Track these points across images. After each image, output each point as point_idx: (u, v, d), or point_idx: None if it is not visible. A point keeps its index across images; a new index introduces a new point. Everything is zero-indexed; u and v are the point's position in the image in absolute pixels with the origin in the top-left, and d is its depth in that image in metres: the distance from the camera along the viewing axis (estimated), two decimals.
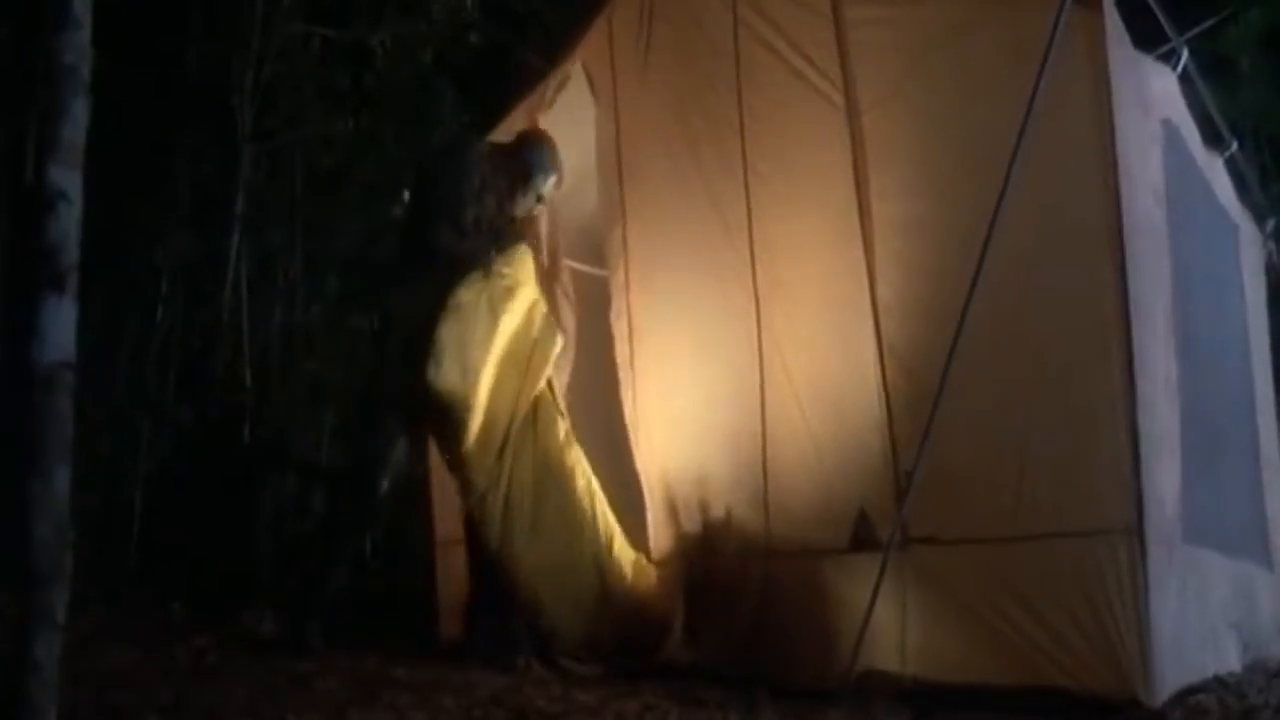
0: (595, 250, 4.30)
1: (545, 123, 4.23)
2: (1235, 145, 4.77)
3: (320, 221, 6.81)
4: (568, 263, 4.39)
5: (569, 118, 4.22)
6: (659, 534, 3.92)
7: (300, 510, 6.19)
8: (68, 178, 2.02)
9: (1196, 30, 4.05)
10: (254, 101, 5.94)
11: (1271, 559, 4.43)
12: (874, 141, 3.52)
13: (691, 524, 3.84)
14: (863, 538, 3.37)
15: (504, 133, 4.44)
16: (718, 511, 3.77)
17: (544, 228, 4.26)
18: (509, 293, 3.75)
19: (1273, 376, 5.10)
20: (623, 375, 4.04)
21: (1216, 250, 4.41)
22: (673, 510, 3.90)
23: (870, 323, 3.46)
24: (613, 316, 4.08)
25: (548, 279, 4.22)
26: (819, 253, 3.64)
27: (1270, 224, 5.58)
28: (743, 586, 3.59)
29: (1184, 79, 3.96)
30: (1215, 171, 4.53)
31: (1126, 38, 3.32)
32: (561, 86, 4.21)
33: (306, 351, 6.73)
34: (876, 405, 3.42)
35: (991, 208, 3.07)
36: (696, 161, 3.94)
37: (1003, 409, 3.14)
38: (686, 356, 3.94)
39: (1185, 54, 3.93)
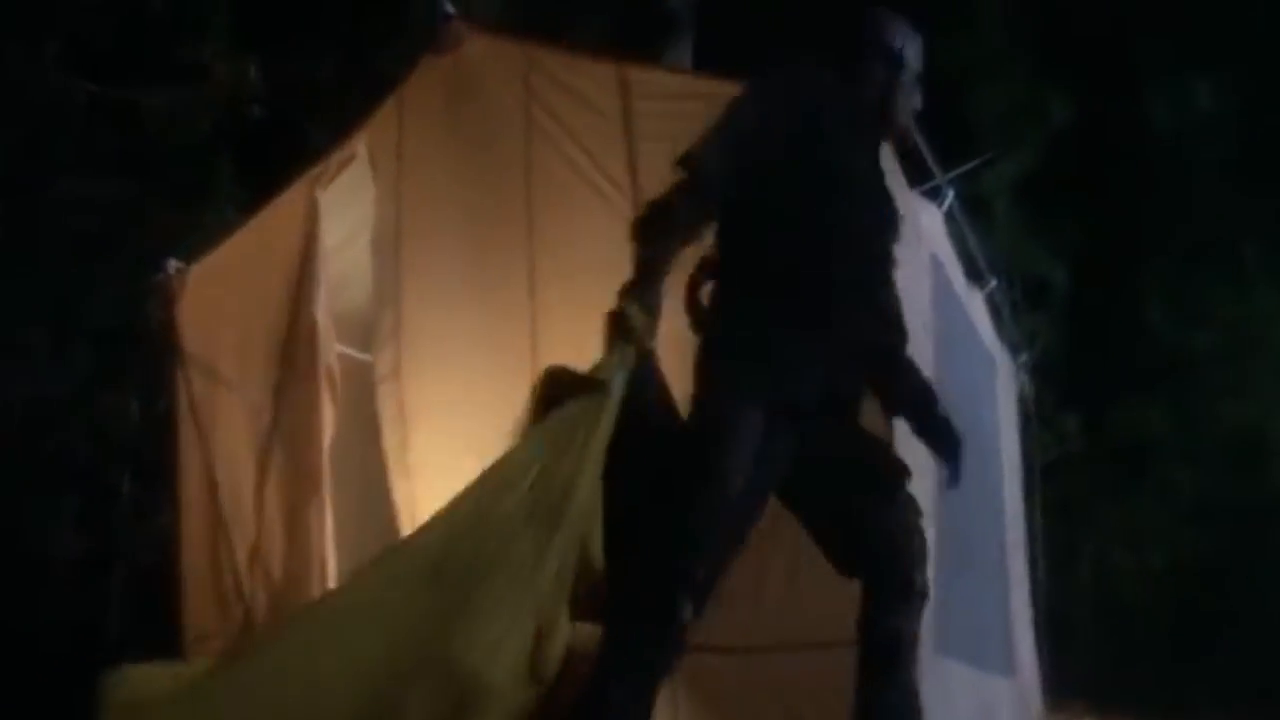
0: (369, 334, 4.18)
1: (325, 200, 4.09)
2: (994, 282, 5.12)
3: (77, 288, 6.32)
4: (340, 348, 4.22)
5: (349, 198, 4.10)
6: None
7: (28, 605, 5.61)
8: None
9: (959, 170, 4.34)
10: (4, 155, 5.49)
11: (1013, 667, 4.65)
12: None
13: None
14: None
15: (280, 208, 4.26)
16: None
17: (307, 307, 4.07)
18: None
19: (1022, 498, 5.43)
20: (393, 463, 3.91)
21: (976, 381, 4.67)
22: None
23: None
24: (378, 402, 3.95)
25: (312, 364, 4.04)
26: (601, 352, 3.64)
27: (1024, 358, 6.02)
28: None
29: (947, 217, 4.22)
30: (975, 307, 4.84)
31: (900, 173, 3.51)
32: (345, 165, 4.09)
33: (49, 428, 6.16)
34: None
35: None
36: (481, 257, 3.90)
37: (774, 516, 3.16)
38: (463, 447, 3.82)
39: (950, 193, 4.20)
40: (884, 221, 2.72)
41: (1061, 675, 6.06)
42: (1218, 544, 9.40)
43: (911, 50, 2.69)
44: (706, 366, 2.56)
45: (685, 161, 2.58)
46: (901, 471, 2.61)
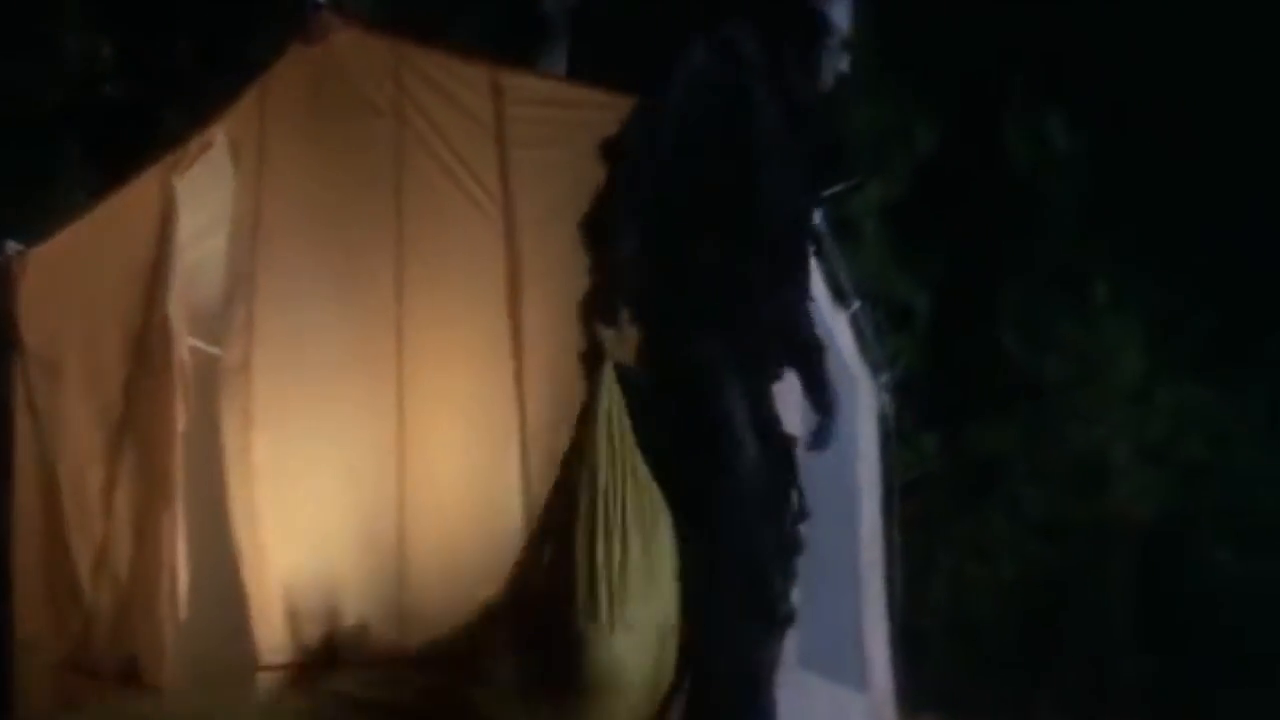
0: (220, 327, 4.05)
1: (181, 186, 3.96)
2: (858, 303, 5.26)
3: None
4: (193, 342, 4.08)
5: (207, 187, 3.99)
6: (273, 642, 3.65)
7: None
8: None
9: (830, 192, 4.45)
10: None
11: (866, 681, 4.78)
12: (533, 257, 3.56)
13: (315, 633, 3.63)
14: None
15: (133, 194, 4.10)
16: (347, 620, 3.60)
17: (161, 299, 3.95)
18: None
19: (881, 514, 5.58)
20: (234, 464, 3.78)
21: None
22: (293, 617, 3.67)
23: (518, 435, 3.47)
24: (223, 399, 3.81)
25: (166, 359, 3.90)
26: (469, 362, 3.64)
27: (884, 378, 6.19)
28: (374, 699, 3.36)
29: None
30: (839, 327, 4.96)
31: None
32: (203, 152, 3.98)
33: None
34: (518, 518, 3.41)
35: None
36: (346, 258, 3.81)
37: None
38: (316, 452, 3.75)
39: (819, 214, 4.29)
40: (809, 194, 2.70)
41: (916, 686, 6.25)
42: (1063, 559, 9.87)
43: (839, 10, 2.65)
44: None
45: (608, 147, 2.46)
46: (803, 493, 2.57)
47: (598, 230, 2.41)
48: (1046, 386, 9.71)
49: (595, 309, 2.35)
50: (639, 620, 2.37)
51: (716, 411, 2.40)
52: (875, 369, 5.88)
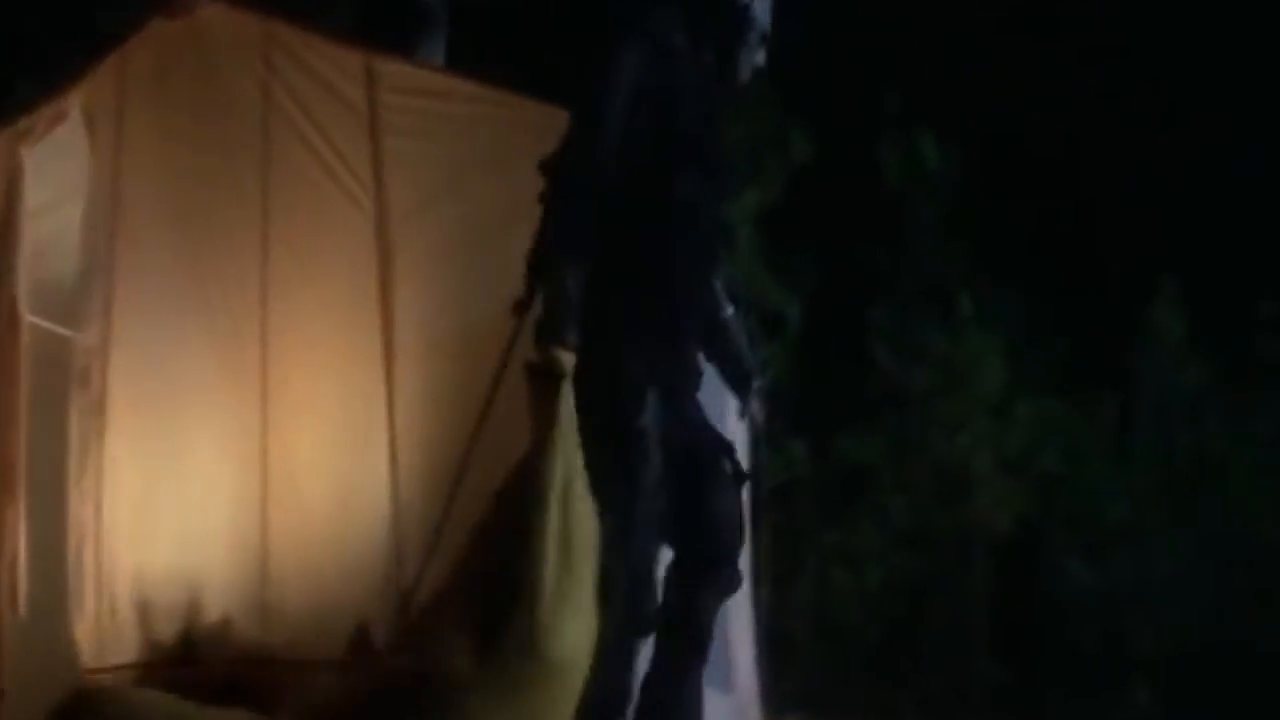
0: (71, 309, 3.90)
1: (31, 159, 3.79)
2: (732, 309, 5.34)
3: None
4: (33, 319, 3.91)
5: (57, 159, 3.82)
6: (125, 636, 3.58)
7: None
8: None
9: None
10: None
11: (731, 683, 4.85)
12: (404, 251, 3.55)
13: (174, 629, 3.62)
14: (360, 649, 3.36)
15: None
16: (209, 616, 3.61)
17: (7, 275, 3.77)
18: None
19: (750, 518, 5.67)
20: (79, 454, 3.61)
21: (707, 404, 4.86)
22: (144, 615, 3.63)
23: (386, 435, 3.50)
24: (74, 386, 3.65)
25: (12, 341, 3.73)
26: (337, 357, 3.67)
27: (756, 384, 6.29)
28: (234, 695, 3.34)
29: None
30: None
31: None
32: (55, 122, 3.81)
33: None
34: (385, 516, 3.47)
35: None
36: (211, 243, 3.76)
37: None
38: (177, 445, 3.66)
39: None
40: (725, 188, 2.79)
41: (781, 688, 6.35)
42: (927, 566, 10.20)
43: (759, 4, 2.67)
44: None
45: (547, 166, 2.45)
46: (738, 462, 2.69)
47: (544, 257, 2.42)
48: (913, 397, 10.02)
49: (548, 333, 2.37)
50: (585, 605, 2.39)
51: (631, 422, 2.45)
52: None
